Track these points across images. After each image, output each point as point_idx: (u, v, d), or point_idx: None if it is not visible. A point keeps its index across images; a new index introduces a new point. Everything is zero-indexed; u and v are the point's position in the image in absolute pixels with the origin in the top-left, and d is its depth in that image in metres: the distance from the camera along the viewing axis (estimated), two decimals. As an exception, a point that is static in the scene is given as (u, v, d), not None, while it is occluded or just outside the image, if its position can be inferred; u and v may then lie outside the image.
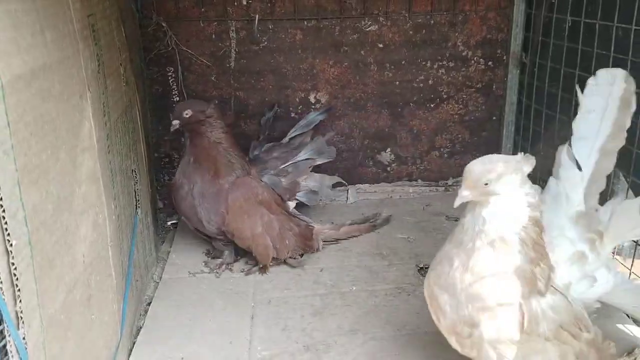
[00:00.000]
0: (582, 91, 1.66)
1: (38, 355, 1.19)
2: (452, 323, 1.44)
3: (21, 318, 1.12)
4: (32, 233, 1.15)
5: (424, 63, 2.93)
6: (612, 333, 1.87)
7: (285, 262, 2.43)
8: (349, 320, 2.06)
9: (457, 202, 1.39)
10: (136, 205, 2.15)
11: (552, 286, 1.46)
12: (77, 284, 1.42)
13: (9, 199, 1.06)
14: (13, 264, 1.08)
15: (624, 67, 2.03)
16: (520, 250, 1.39)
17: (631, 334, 1.87)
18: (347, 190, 3.06)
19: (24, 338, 1.13)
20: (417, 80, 2.95)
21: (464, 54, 2.92)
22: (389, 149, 3.07)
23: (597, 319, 1.83)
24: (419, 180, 3.13)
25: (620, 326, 1.91)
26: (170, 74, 2.83)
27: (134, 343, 1.96)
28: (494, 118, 3.05)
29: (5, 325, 1.10)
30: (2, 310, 1.07)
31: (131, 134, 2.12)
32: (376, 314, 2.09)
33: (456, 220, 1.84)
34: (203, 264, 2.47)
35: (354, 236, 2.66)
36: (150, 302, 2.20)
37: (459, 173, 1.49)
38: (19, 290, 1.10)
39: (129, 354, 1.90)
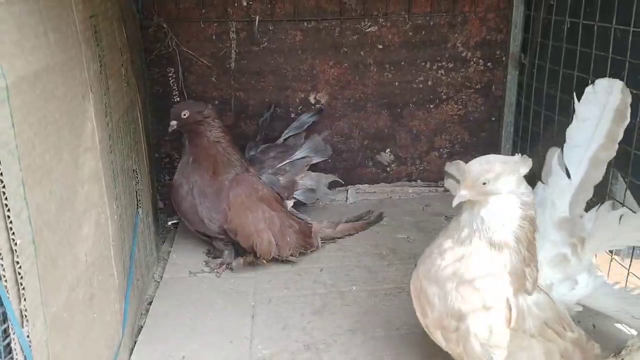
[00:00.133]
0: (578, 99, 1.68)
1: (41, 354, 1.21)
2: (439, 316, 1.45)
3: (25, 316, 1.13)
4: (35, 232, 1.17)
5: (423, 64, 2.94)
6: (610, 333, 1.90)
7: (284, 260, 2.44)
8: (349, 319, 2.07)
9: (455, 202, 1.41)
10: (137, 205, 2.16)
11: (537, 286, 1.48)
12: (80, 283, 1.43)
13: (13, 198, 1.07)
14: (18, 262, 1.09)
15: (622, 68, 2.06)
16: (516, 249, 1.41)
17: (629, 333, 1.88)
18: (347, 191, 3.08)
19: (28, 336, 1.15)
20: (417, 81, 2.96)
21: (463, 55, 2.94)
22: (388, 150, 3.09)
23: (595, 318, 1.86)
24: (419, 181, 3.14)
25: (619, 325, 1.92)
26: (170, 74, 2.84)
27: (135, 342, 1.97)
28: (493, 119, 3.07)
29: (9, 323, 1.11)
30: (7, 308, 1.09)
31: (132, 134, 2.14)
32: (376, 313, 2.10)
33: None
34: (203, 263, 2.48)
35: (350, 234, 2.68)
36: (151, 302, 2.21)
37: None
38: (23, 288, 1.12)
39: (130, 353, 1.91)
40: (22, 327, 1.13)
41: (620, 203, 2.04)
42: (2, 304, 1.10)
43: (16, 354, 1.14)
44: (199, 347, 1.94)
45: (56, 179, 1.29)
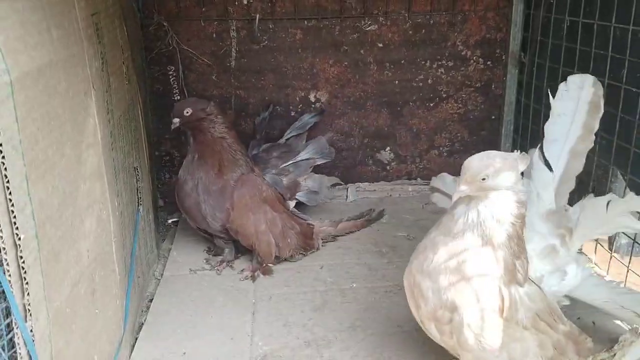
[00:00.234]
0: (553, 96, 1.73)
1: (45, 348, 1.21)
2: (433, 308, 1.47)
3: (29, 310, 1.14)
4: (39, 227, 1.17)
5: (423, 62, 2.95)
6: (610, 329, 1.90)
7: (285, 259, 2.45)
8: (349, 316, 2.08)
9: (454, 197, 1.42)
10: (138, 202, 2.17)
11: (528, 278, 1.50)
12: (82, 279, 1.44)
13: (17, 193, 1.08)
14: (21, 257, 1.10)
15: (621, 66, 2.07)
16: (507, 244, 1.42)
17: (626, 328, 1.89)
18: (347, 189, 3.09)
19: (31, 330, 1.15)
20: (417, 79, 2.97)
21: (463, 53, 2.95)
22: (388, 148, 3.09)
23: (595, 315, 1.87)
24: (418, 179, 3.14)
25: (618, 322, 1.93)
26: (171, 73, 2.85)
27: (136, 339, 1.97)
28: (493, 117, 3.08)
29: (13, 317, 1.12)
30: (11, 302, 1.09)
31: (133, 131, 2.14)
32: (376, 310, 2.11)
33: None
34: (204, 261, 2.49)
35: (352, 232, 2.69)
36: (152, 299, 2.22)
37: (458, 172, 1.53)
38: (26, 283, 1.12)
39: (132, 350, 1.91)
40: (26, 321, 1.14)
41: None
42: (5, 299, 1.10)
43: (19, 348, 1.14)
44: (199, 343, 1.95)
45: (59, 174, 1.30)
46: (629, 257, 2.16)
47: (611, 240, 2.36)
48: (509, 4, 2.86)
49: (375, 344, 1.92)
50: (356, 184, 3.12)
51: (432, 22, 2.88)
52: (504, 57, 2.96)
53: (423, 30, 2.89)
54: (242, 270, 2.40)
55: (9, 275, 1.08)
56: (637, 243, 2.11)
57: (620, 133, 2.12)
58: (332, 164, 2.98)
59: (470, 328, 1.43)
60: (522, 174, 1.73)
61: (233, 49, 2.84)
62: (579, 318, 1.89)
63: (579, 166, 1.71)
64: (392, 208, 2.91)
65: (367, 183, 3.13)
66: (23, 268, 1.11)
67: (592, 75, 1.74)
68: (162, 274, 2.40)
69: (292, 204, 2.65)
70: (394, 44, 2.90)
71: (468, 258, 1.42)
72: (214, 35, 2.81)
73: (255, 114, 2.92)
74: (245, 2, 2.77)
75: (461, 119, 3.06)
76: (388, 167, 3.13)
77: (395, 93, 2.99)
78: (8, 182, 1.05)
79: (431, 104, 3.02)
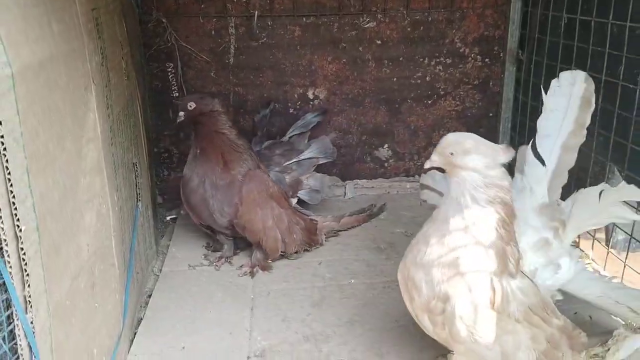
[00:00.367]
0: (546, 92, 1.76)
1: (45, 341, 1.22)
2: (426, 300, 1.49)
3: (29, 302, 1.14)
4: (39, 220, 1.18)
5: (421, 60, 2.96)
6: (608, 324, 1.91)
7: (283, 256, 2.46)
8: (348, 311, 2.09)
9: (426, 165, 1.50)
10: (137, 198, 2.17)
11: (521, 271, 1.52)
12: (82, 272, 1.44)
13: (18, 185, 1.09)
14: (22, 249, 1.10)
15: (619, 63, 2.08)
16: (489, 222, 1.44)
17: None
18: (345, 186, 3.10)
19: (31, 322, 1.16)
20: (415, 76, 2.98)
21: (461, 50, 2.96)
22: (386, 145, 3.10)
23: (591, 310, 1.87)
24: (416, 176, 3.15)
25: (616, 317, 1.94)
26: (169, 69, 2.85)
27: (135, 334, 1.98)
28: (491, 114, 3.09)
29: (14, 309, 1.12)
30: (11, 294, 1.10)
31: (132, 127, 2.15)
32: (374, 305, 2.12)
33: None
34: (203, 257, 2.49)
35: (354, 226, 2.71)
36: (151, 295, 2.22)
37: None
38: (27, 275, 1.13)
39: (130, 344, 1.92)
40: (26, 313, 1.14)
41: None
42: (6, 290, 1.11)
43: (20, 340, 1.15)
44: (198, 338, 1.96)
45: (59, 168, 1.30)
46: (625, 253, 2.17)
47: (608, 237, 2.37)
48: (507, 2, 2.88)
49: (373, 339, 1.93)
50: (354, 180, 3.13)
51: (430, 19, 2.89)
52: (501, 55, 2.98)
53: (421, 28, 2.90)
54: (240, 266, 2.41)
55: (10, 267, 1.08)
56: (634, 239, 2.12)
57: (617, 129, 2.13)
58: (331, 161, 2.98)
59: (462, 320, 1.44)
60: (520, 169, 1.77)
61: (232, 46, 2.85)
62: (575, 313, 1.90)
63: (571, 161, 1.73)
64: (390, 205, 2.92)
65: (365, 180, 3.14)
66: (24, 260, 1.11)
67: (590, 72, 1.75)
68: (160, 270, 2.40)
69: (293, 201, 2.66)
70: (392, 41, 2.91)
71: (453, 243, 1.45)
72: (213, 32, 2.82)
73: (253, 110, 2.93)
74: (243, -1, 2.78)
75: (459, 116, 3.07)
76: (386, 164, 3.14)
77: (393, 90, 2.99)
78: (9, 174, 1.06)
79: (429, 101, 3.03)
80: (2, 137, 1.04)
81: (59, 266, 1.29)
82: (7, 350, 1.13)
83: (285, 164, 2.66)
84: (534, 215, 1.69)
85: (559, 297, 1.72)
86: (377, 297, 2.17)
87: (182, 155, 2.95)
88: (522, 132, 2.91)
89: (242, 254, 2.51)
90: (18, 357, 1.15)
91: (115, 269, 1.74)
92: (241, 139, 2.42)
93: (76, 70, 1.45)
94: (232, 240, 2.48)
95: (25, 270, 1.12)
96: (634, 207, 1.82)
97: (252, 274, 2.35)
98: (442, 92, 3.02)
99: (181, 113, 2.34)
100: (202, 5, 2.78)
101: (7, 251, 1.08)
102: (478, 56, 2.97)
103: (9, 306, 1.12)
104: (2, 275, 1.08)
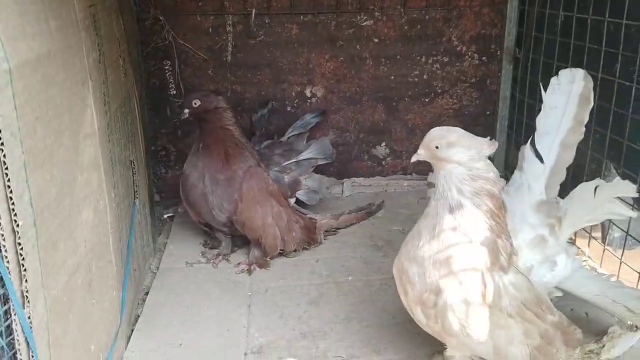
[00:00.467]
0: (545, 90, 1.77)
1: (42, 336, 1.22)
2: (419, 292, 1.50)
3: (27, 297, 1.14)
4: (37, 215, 1.18)
5: (418, 58, 2.96)
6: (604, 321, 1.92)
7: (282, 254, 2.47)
8: (345, 308, 2.09)
9: (413, 159, 1.53)
10: (134, 195, 2.17)
11: (514, 267, 1.53)
12: (79, 268, 1.44)
13: (15, 180, 1.09)
14: (19, 244, 1.11)
15: (614, 60, 2.09)
16: (477, 214, 1.45)
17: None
18: (343, 184, 3.10)
19: (29, 317, 1.16)
20: (412, 74, 2.99)
21: (458, 49, 2.96)
22: (384, 143, 3.11)
23: (588, 306, 1.88)
24: (414, 174, 3.16)
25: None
26: (167, 67, 2.85)
27: (132, 330, 1.98)
28: (488, 113, 3.09)
29: (11, 304, 1.12)
30: (9, 288, 1.10)
31: (129, 125, 2.15)
32: (372, 302, 2.12)
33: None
34: (200, 254, 2.50)
35: (352, 224, 2.72)
36: (148, 292, 2.22)
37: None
38: (24, 270, 1.13)
39: (128, 341, 1.92)
40: (24, 308, 1.15)
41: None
42: (3, 285, 1.11)
43: (17, 335, 1.15)
44: (195, 335, 1.96)
45: (57, 163, 1.30)
46: (621, 250, 2.18)
47: (604, 234, 2.38)
48: (504, 0, 2.88)
49: (370, 336, 1.93)
50: (352, 179, 3.13)
51: (427, 17, 2.89)
52: (498, 53, 2.98)
53: (418, 26, 2.91)
54: (238, 264, 2.41)
55: (7, 262, 1.09)
56: (630, 236, 2.12)
57: (613, 127, 2.14)
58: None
59: (454, 312, 1.45)
60: (519, 167, 1.77)
61: (229, 44, 2.85)
62: (572, 309, 1.91)
63: (569, 158, 1.74)
64: (388, 203, 2.93)
65: (362, 178, 3.15)
66: (21, 255, 1.12)
67: (586, 69, 1.76)
68: (158, 267, 2.41)
69: (291, 201, 2.66)
70: (389, 39, 2.91)
71: (444, 234, 1.47)
72: (210, 30, 2.82)
73: (251, 109, 2.93)
74: (241, -4, 2.79)
75: (456, 114, 3.07)
76: (384, 162, 3.14)
77: (390, 88, 3.00)
78: (7, 168, 1.06)
79: (426, 100, 3.03)
80: (0, 132, 1.04)
81: (57, 262, 1.30)
82: (5, 345, 1.14)
83: (284, 164, 2.67)
84: (531, 212, 1.70)
85: (558, 294, 1.72)
86: (374, 294, 2.18)
87: (179, 154, 2.95)
88: (519, 130, 2.91)
89: (240, 252, 2.52)
90: (15, 352, 1.15)
91: (113, 265, 1.74)
92: (243, 137, 2.44)
93: (73, 67, 1.45)
94: (230, 237, 2.48)
95: (23, 265, 1.13)
96: (629, 203, 1.83)
97: (249, 272, 2.36)
98: (439, 90, 3.02)
99: (186, 110, 2.35)
100: (200, 3, 2.78)
101: (4, 246, 1.08)
102: (475, 54, 2.98)
103: (6, 301, 1.13)
104: (-1, 269, 1.09)
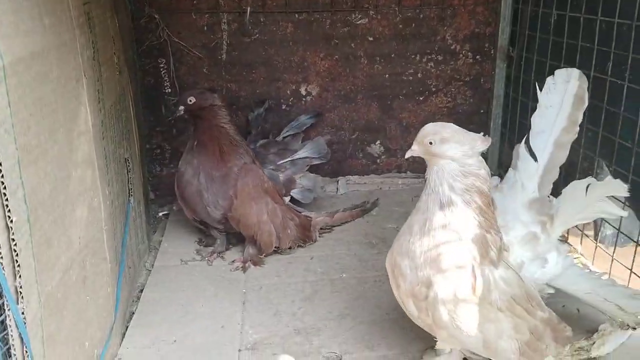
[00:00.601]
0: (541, 89, 1.78)
1: (36, 331, 1.23)
2: (411, 285, 1.52)
3: (20, 293, 1.15)
4: (31, 211, 1.19)
5: (413, 56, 2.97)
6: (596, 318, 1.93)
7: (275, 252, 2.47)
8: (339, 305, 2.10)
9: (407, 154, 1.54)
10: (129, 193, 2.18)
11: (505, 262, 1.55)
12: (73, 265, 1.45)
13: (9, 176, 1.09)
14: (13, 239, 1.11)
15: (607, 59, 2.10)
16: (466, 210, 1.47)
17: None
18: (337, 182, 3.11)
19: (22, 313, 1.16)
20: (407, 73, 2.99)
21: (452, 47, 2.97)
22: (378, 141, 3.12)
23: (578, 301, 1.89)
24: (408, 172, 3.17)
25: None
26: (162, 65, 2.85)
27: (127, 327, 1.99)
28: (482, 111, 3.11)
29: (5, 299, 1.13)
30: (2, 284, 1.11)
31: (124, 122, 2.15)
32: (365, 299, 2.13)
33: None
34: (195, 252, 2.50)
35: (347, 221, 2.73)
36: (143, 289, 2.23)
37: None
38: (18, 265, 1.14)
39: (122, 338, 1.93)
40: (17, 303, 1.15)
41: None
42: (-3, 281, 1.12)
43: (11, 330, 1.16)
44: (190, 331, 1.97)
45: (51, 160, 1.31)
46: (613, 247, 2.20)
47: (597, 231, 2.40)
48: (498, -2, 2.90)
49: (364, 332, 1.95)
50: (346, 177, 3.14)
51: (422, 16, 2.90)
52: (492, 52, 2.99)
53: (413, 24, 2.91)
54: (233, 261, 2.42)
55: (1, 257, 1.09)
56: (622, 233, 2.14)
57: (605, 125, 2.15)
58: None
59: (445, 305, 1.47)
60: (513, 165, 1.78)
61: (224, 42, 2.86)
62: (563, 306, 1.92)
63: (562, 157, 1.75)
64: (382, 201, 2.94)
65: (357, 176, 3.15)
66: (15, 251, 1.12)
67: (579, 68, 1.77)
68: (152, 265, 2.41)
69: (286, 199, 2.67)
70: (384, 38, 2.92)
71: (434, 227, 1.48)
72: (205, 28, 2.82)
73: (246, 107, 2.93)
74: (236, -6, 2.79)
75: (450, 112, 3.08)
76: (378, 161, 3.15)
77: (385, 87, 3.01)
78: (0, 165, 1.06)
79: (421, 98, 3.04)
80: (-6, 128, 1.05)
81: (51, 258, 1.30)
82: (-1, 340, 1.15)
83: (279, 162, 2.68)
84: (524, 210, 1.71)
85: (550, 291, 1.74)
86: (368, 291, 2.19)
87: (174, 152, 2.95)
88: (513, 129, 2.93)
89: (235, 249, 2.53)
90: (9, 347, 1.16)
91: (107, 262, 1.75)
92: (239, 135, 2.45)
93: (67, 63, 1.45)
94: (225, 235, 2.49)
95: (17, 261, 1.13)
96: (621, 202, 1.85)
97: (244, 269, 2.36)
98: (433, 89, 3.03)
99: (181, 107, 2.37)
100: (195, 1, 2.78)
101: (-2, 242, 1.09)
102: (469, 53, 2.99)
103: (0, 296, 1.13)
104: (-7, 265, 1.09)
